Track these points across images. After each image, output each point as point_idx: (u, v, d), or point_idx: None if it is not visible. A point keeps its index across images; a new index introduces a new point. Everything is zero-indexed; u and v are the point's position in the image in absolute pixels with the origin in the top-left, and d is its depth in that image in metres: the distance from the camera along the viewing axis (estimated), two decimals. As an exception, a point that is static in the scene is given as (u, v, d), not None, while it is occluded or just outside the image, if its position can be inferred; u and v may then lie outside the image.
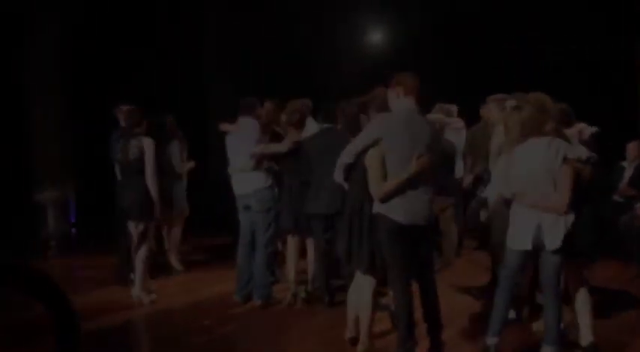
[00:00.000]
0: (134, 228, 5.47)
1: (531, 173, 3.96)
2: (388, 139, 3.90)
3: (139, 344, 5.06)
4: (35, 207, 7.71)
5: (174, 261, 6.72)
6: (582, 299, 4.21)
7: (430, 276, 4.09)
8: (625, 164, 7.08)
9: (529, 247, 3.97)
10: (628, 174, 7.00)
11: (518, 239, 4.03)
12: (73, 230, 8.03)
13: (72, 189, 8.01)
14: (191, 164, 6.87)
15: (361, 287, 4.22)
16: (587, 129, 5.32)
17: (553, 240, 3.90)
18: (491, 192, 4.84)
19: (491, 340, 4.04)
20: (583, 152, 4.11)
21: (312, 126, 5.76)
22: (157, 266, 6.41)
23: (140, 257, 5.49)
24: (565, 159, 3.93)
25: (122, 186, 5.56)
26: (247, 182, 5.39)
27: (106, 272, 6.47)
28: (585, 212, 4.14)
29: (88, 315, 5.12)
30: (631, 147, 7.06)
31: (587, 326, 4.17)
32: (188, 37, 8.99)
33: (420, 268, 4.04)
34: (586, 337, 4.15)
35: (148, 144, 5.38)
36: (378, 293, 4.30)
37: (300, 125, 5.42)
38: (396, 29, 9.77)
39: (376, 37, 10.17)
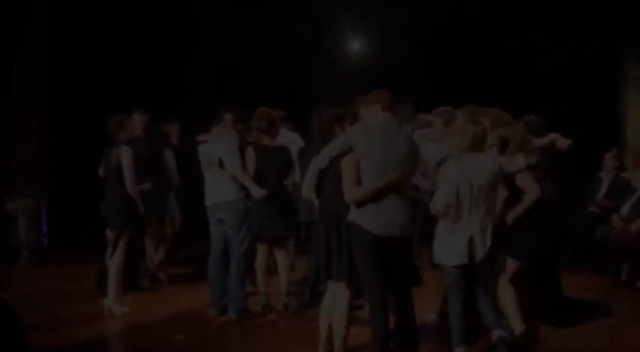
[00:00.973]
0: (110, 236, 5.45)
1: (468, 188, 4.02)
2: (362, 146, 3.88)
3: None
4: (6, 216, 7.56)
5: (161, 273, 6.56)
6: (507, 294, 4.35)
7: (406, 290, 4.03)
8: (602, 175, 7.10)
9: (466, 261, 4.07)
10: (605, 185, 7.02)
11: (453, 254, 4.09)
12: (45, 239, 7.88)
13: (44, 198, 7.87)
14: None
15: (336, 299, 4.15)
16: (562, 141, 5.36)
17: (481, 251, 4.07)
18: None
19: (458, 349, 4.11)
20: (520, 163, 4.28)
21: (285, 136, 5.73)
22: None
23: (113, 266, 5.40)
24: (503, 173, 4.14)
25: (104, 194, 5.53)
26: (220, 192, 5.30)
27: (77, 283, 6.32)
28: (534, 218, 4.34)
29: (57, 327, 5.09)
30: (608, 158, 7.08)
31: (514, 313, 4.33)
32: (174, 45, 8.89)
33: (396, 280, 3.98)
34: (517, 326, 4.29)
35: (124, 152, 5.35)
36: (353, 306, 4.24)
37: (269, 132, 5.37)
38: (379, 36, 9.74)
39: (358, 44, 10.14)
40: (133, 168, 5.36)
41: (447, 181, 4.07)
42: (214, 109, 5.76)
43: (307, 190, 4.26)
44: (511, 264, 4.43)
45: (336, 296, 4.15)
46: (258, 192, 5.17)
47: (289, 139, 5.98)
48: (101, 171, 5.66)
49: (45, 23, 7.99)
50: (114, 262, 5.41)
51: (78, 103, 7.94)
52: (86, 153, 6.37)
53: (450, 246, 4.11)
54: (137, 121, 6.04)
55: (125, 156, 5.34)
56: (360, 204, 3.87)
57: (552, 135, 5.03)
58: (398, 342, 4.03)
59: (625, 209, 6.63)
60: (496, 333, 4.15)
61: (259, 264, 5.53)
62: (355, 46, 10.10)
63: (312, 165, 4.15)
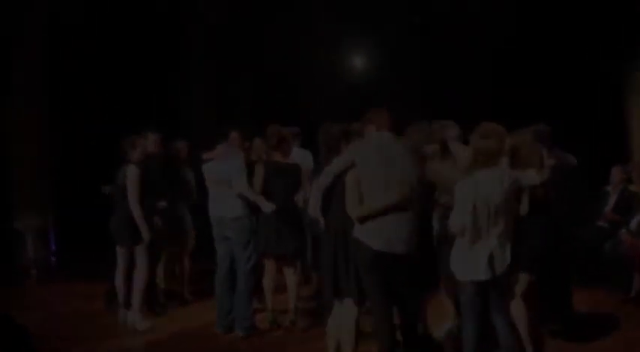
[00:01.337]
0: (121, 253, 5.54)
1: (485, 207, 3.93)
2: (361, 163, 3.93)
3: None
4: (14, 234, 7.58)
5: (186, 291, 6.54)
6: (519, 314, 4.32)
7: (411, 309, 4.02)
8: (609, 189, 7.07)
9: (488, 277, 3.96)
10: (612, 199, 6.98)
11: (472, 270, 3.99)
12: (53, 258, 7.89)
13: (52, 217, 7.89)
14: None
15: (343, 314, 4.16)
16: (570, 158, 5.35)
17: (500, 266, 3.96)
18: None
19: None
20: (533, 178, 4.21)
21: (297, 153, 5.75)
22: (171, 296, 6.35)
23: (138, 282, 5.53)
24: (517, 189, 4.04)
25: (113, 211, 5.60)
26: (225, 209, 5.29)
27: (87, 302, 6.34)
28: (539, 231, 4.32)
29: (69, 344, 5.14)
30: (615, 172, 7.04)
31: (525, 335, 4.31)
32: (171, 61, 8.94)
33: (400, 298, 3.97)
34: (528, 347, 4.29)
35: (130, 172, 5.41)
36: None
37: (279, 148, 5.39)
38: (379, 51, 9.76)
39: (359, 60, 10.16)
40: (138, 188, 5.39)
41: (462, 202, 3.97)
42: (197, 134, 5.79)
43: (313, 208, 4.29)
44: (522, 280, 4.42)
45: (343, 313, 4.15)
46: (266, 207, 5.15)
47: (301, 156, 5.99)
48: (106, 189, 5.68)
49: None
50: (138, 278, 5.51)
51: (80, 108, 7.94)
52: (92, 169, 6.38)
53: (470, 262, 3.99)
54: (151, 140, 6.03)
55: (131, 175, 5.39)
56: (362, 220, 3.90)
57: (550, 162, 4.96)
58: None
59: (634, 223, 6.58)
60: None
61: (267, 281, 5.52)
62: (357, 60, 10.12)
63: (316, 184, 4.17)
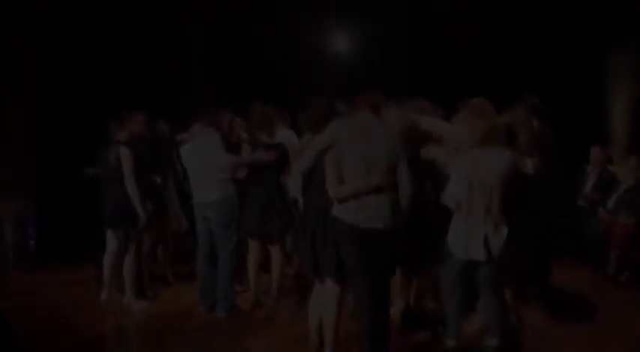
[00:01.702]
0: (113, 237, 5.48)
1: (479, 184, 3.97)
2: (341, 144, 3.89)
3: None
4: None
5: (167, 272, 6.48)
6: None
7: (384, 284, 3.99)
8: (589, 169, 7.14)
9: (482, 258, 4.00)
10: (592, 179, 7.06)
11: (465, 247, 4.04)
12: (32, 241, 7.77)
13: (32, 201, 7.77)
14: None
15: (325, 293, 4.16)
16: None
17: (496, 249, 4.00)
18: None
19: (450, 342, 4.15)
20: (529, 167, 4.27)
21: (281, 133, 5.71)
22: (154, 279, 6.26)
23: (127, 266, 5.52)
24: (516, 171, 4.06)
25: (101, 196, 5.51)
26: (208, 191, 5.23)
27: (76, 287, 6.27)
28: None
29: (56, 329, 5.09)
30: (595, 152, 7.12)
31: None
32: (153, 42, 8.82)
33: (377, 274, 3.96)
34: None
35: (123, 151, 5.33)
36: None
37: (264, 127, 5.35)
38: (366, 34, 9.69)
39: (346, 42, 10.08)
40: (133, 169, 5.33)
41: (458, 176, 4.02)
42: (183, 114, 5.72)
43: (294, 188, 4.25)
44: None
45: (325, 292, 4.15)
46: (269, 156, 5.07)
47: (286, 137, 5.95)
48: (90, 172, 5.61)
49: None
50: (129, 261, 5.50)
51: (73, 101, 7.82)
52: (79, 153, 6.29)
53: (464, 239, 4.05)
54: (136, 120, 5.88)
55: (125, 155, 5.31)
56: (342, 199, 3.89)
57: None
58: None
59: (612, 202, 6.69)
60: (491, 341, 4.15)
61: (251, 260, 5.51)
62: (343, 43, 10.04)
63: (295, 168, 4.14)
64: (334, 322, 4.11)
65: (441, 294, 4.43)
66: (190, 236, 6.07)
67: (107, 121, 5.47)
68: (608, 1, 8.08)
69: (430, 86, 6.87)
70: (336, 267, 4.02)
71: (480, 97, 4.55)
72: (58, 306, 5.71)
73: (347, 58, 9.72)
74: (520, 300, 4.98)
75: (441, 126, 4.49)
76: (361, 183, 3.84)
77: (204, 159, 5.20)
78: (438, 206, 4.34)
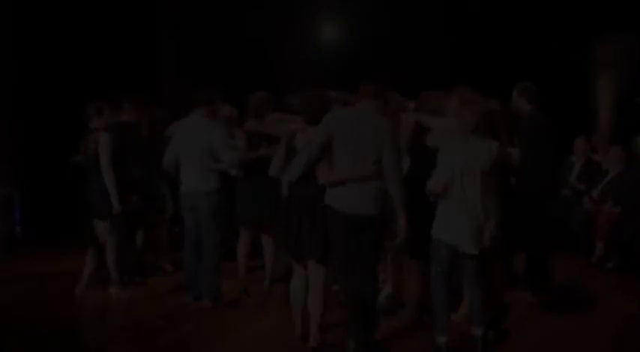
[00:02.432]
0: (98, 225, 5.42)
1: (467, 172, 3.97)
2: (334, 134, 3.98)
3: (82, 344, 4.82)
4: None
5: (163, 261, 6.44)
6: None
7: (369, 270, 4.06)
8: (574, 159, 7.23)
9: (473, 251, 4.01)
10: (576, 169, 7.15)
11: (453, 239, 4.02)
12: (18, 227, 7.69)
13: (16, 186, 7.68)
14: None
15: (310, 280, 4.23)
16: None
17: (484, 241, 4.01)
18: None
19: (440, 339, 4.10)
20: (514, 156, 4.29)
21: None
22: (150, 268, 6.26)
23: (110, 256, 5.45)
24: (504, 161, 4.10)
25: (83, 183, 5.45)
26: (200, 180, 5.15)
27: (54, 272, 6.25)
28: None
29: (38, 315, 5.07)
30: (579, 143, 7.21)
31: None
32: (142, 28, 8.72)
33: (363, 259, 4.03)
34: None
35: (102, 139, 5.27)
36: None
37: (256, 115, 5.34)
38: (358, 22, 9.65)
39: (336, 30, 10.03)
40: (110, 156, 5.26)
41: (445, 161, 4.01)
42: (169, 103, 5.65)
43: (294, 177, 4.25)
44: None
45: (310, 275, 4.22)
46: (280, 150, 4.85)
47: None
48: (78, 158, 5.57)
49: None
50: (111, 249, 5.43)
51: (46, 80, 7.70)
52: (60, 142, 6.22)
53: (453, 230, 4.01)
54: (126, 109, 5.88)
55: (103, 142, 5.25)
56: (332, 186, 3.99)
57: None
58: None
59: (596, 191, 6.77)
60: (476, 331, 4.18)
61: (240, 248, 5.53)
62: (328, 31, 9.99)
63: (298, 160, 4.14)
64: (320, 304, 4.19)
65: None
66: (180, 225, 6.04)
67: (87, 108, 5.38)
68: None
69: (415, 76, 6.94)
70: (320, 250, 4.09)
71: (463, 86, 4.59)
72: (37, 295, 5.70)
73: (336, 46, 9.68)
74: (512, 288, 5.06)
75: (429, 121, 4.51)
76: (350, 172, 3.94)
77: (201, 149, 5.10)
78: None
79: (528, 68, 8.09)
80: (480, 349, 4.14)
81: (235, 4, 8.97)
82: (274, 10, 8.96)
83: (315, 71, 8.58)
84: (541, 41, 8.50)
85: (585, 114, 8.76)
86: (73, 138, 5.56)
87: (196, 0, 9.05)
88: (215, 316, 5.05)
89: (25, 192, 7.67)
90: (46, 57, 7.71)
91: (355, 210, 3.95)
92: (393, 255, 5.01)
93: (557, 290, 5.36)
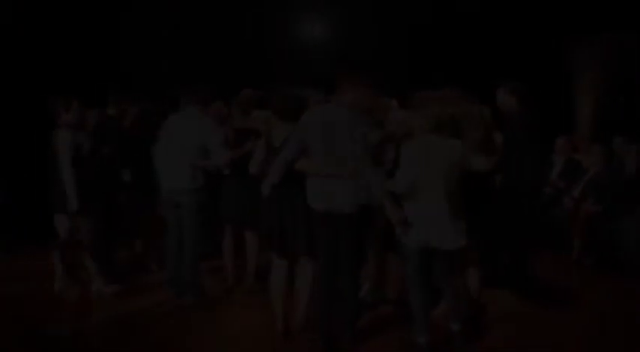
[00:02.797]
0: (60, 222, 5.35)
1: (431, 170, 3.97)
2: (309, 133, 4.02)
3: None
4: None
5: (150, 261, 6.36)
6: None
7: (349, 271, 4.08)
8: (555, 158, 7.31)
9: (446, 248, 4.02)
10: (558, 167, 7.23)
11: (422, 237, 4.02)
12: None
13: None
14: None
15: (298, 275, 4.32)
16: None
17: (454, 240, 4.01)
18: None
19: (421, 339, 4.10)
20: (479, 165, 4.20)
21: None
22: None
23: (88, 252, 5.42)
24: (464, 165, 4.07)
25: (50, 180, 5.37)
26: (184, 176, 5.11)
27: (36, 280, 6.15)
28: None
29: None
30: (560, 143, 7.29)
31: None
32: (115, 20, 8.64)
33: (342, 256, 4.06)
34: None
35: (60, 136, 5.20)
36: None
37: (243, 112, 5.38)
38: (343, 18, 9.66)
39: (323, 26, 10.02)
40: (70, 153, 5.15)
41: (409, 160, 3.99)
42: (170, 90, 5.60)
43: (275, 176, 4.28)
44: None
45: (298, 270, 4.30)
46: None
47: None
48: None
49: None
50: (87, 248, 5.40)
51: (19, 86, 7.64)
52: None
53: (419, 224, 3.99)
54: (113, 102, 5.86)
55: (62, 140, 5.17)
56: (309, 185, 4.05)
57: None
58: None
59: (577, 189, 6.85)
60: (453, 326, 4.22)
61: (226, 244, 5.54)
62: (317, 29, 9.99)
63: (279, 158, 4.18)
64: (308, 294, 4.27)
65: None
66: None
67: (54, 103, 5.28)
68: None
69: (398, 74, 6.98)
70: (307, 246, 4.16)
71: (449, 87, 4.60)
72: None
73: (325, 44, 9.70)
74: (490, 286, 5.11)
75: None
76: (326, 172, 3.97)
77: (194, 147, 5.05)
78: None
79: (511, 67, 8.18)
80: (457, 344, 4.18)
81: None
82: (262, 7, 8.96)
83: (302, 69, 8.59)
84: (523, 40, 8.57)
85: (567, 113, 8.86)
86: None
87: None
88: (197, 313, 5.04)
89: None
90: (16, 60, 7.62)
91: (332, 208, 3.98)
92: (376, 250, 5.03)
93: (537, 287, 5.40)
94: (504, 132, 4.96)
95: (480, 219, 4.34)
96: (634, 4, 7.77)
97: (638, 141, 6.69)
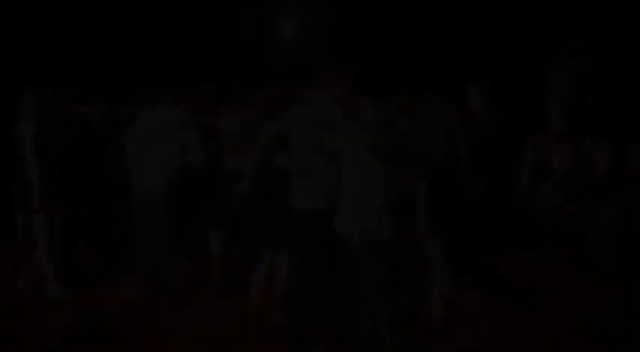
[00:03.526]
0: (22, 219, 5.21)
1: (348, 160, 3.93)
2: (290, 130, 4.04)
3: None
4: None
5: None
6: None
7: (328, 261, 4.02)
8: (526, 157, 7.34)
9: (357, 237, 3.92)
10: (528, 168, 7.27)
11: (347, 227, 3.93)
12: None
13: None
14: None
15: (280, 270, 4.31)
16: None
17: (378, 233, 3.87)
18: None
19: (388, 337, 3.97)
20: None
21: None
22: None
23: (40, 251, 5.16)
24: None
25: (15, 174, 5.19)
26: (157, 173, 5.01)
27: None
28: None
29: None
30: (531, 143, 7.34)
31: None
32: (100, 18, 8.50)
33: (318, 251, 4.02)
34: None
35: (24, 131, 5.02)
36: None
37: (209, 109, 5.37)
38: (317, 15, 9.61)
39: (292, 23, 9.95)
40: (32, 147, 4.99)
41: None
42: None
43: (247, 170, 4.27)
44: (434, 251, 4.49)
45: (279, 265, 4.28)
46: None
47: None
48: None
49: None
50: (42, 246, 5.15)
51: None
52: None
53: (348, 219, 3.88)
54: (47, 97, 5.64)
55: (26, 135, 5.00)
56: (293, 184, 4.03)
57: None
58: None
59: (547, 189, 6.90)
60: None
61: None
62: (284, 26, 9.93)
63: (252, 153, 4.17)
64: (281, 293, 4.28)
65: None
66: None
67: (22, 97, 5.12)
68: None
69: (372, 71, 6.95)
70: (287, 240, 4.16)
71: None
72: None
73: (294, 40, 9.65)
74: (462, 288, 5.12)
75: None
76: (303, 169, 3.97)
77: (166, 140, 4.98)
78: None
79: (482, 67, 8.24)
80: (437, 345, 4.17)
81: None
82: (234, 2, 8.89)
83: (275, 65, 8.54)
84: (497, 43, 8.62)
85: (537, 113, 8.93)
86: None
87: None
88: (169, 311, 4.96)
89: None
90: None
91: (310, 205, 3.96)
92: None
93: (509, 287, 5.42)
94: (473, 132, 4.96)
95: (450, 221, 4.36)
96: (605, 5, 7.87)
97: (608, 141, 6.75)
